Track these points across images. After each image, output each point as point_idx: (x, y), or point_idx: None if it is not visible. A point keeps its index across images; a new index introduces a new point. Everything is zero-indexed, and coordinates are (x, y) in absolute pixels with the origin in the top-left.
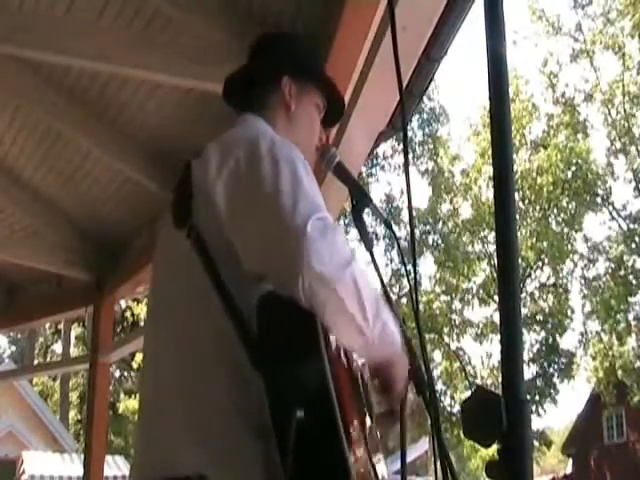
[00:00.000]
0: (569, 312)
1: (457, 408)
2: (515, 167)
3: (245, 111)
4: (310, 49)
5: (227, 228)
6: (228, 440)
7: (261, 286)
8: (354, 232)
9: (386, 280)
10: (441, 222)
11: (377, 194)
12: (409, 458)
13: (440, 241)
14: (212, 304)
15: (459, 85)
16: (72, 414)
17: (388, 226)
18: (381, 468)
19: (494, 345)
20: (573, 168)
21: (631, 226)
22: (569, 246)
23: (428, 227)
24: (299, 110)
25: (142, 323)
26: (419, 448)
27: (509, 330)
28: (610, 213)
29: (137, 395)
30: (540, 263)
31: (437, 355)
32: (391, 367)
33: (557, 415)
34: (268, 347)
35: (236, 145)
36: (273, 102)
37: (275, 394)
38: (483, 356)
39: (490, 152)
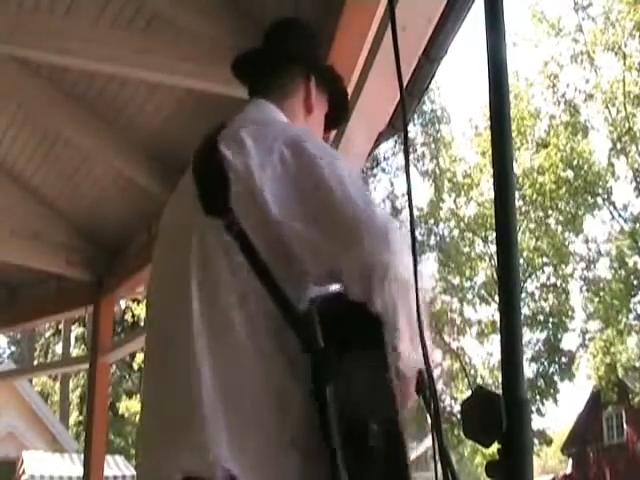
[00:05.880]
0: (570, 312)
1: (457, 408)
2: (516, 167)
3: (262, 96)
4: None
5: (283, 228)
6: (264, 449)
7: (314, 288)
8: None
9: None
10: (442, 222)
11: (378, 194)
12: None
13: (441, 241)
14: (266, 305)
15: (460, 85)
16: (72, 414)
17: None
18: None
19: (495, 345)
20: (574, 168)
21: (632, 226)
22: (570, 246)
23: (429, 227)
24: (315, 113)
25: (142, 323)
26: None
27: (509, 330)
28: (611, 213)
29: (139, 395)
30: (541, 263)
31: (437, 355)
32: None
33: (557, 415)
34: (334, 356)
35: (274, 138)
36: (295, 98)
37: (346, 406)
38: (484, 356)
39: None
